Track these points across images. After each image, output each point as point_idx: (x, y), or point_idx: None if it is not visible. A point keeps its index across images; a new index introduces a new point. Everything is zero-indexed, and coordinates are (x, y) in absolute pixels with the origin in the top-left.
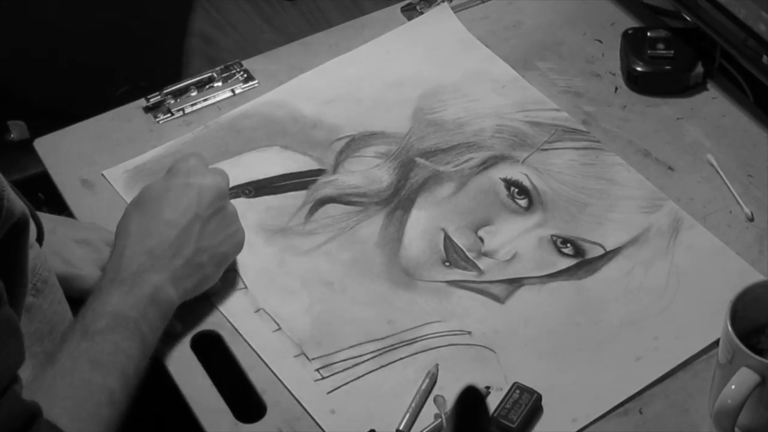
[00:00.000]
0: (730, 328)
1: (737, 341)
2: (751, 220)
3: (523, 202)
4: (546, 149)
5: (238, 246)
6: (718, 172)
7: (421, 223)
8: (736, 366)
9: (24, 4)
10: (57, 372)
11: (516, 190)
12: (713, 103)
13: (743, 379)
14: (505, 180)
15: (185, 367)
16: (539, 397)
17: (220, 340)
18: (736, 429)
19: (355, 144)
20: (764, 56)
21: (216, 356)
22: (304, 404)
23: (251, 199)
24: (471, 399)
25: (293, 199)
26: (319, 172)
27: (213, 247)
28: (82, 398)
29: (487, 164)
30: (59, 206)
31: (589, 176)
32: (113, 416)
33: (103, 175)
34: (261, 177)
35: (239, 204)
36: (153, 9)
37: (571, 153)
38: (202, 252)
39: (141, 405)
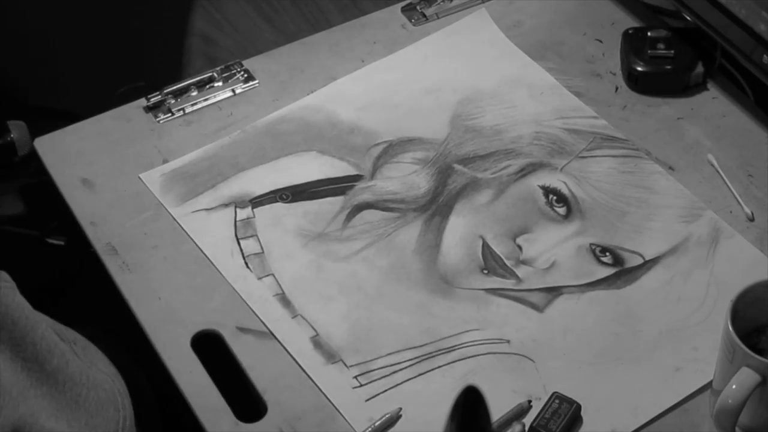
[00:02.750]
0: (730, 328)
1: (738, 341)
2: (752, 220)
3: (562, 210)
4: (585, 157)
5: None
6: (718, 172)
7: (460, 230)
8: (736, 366)
9: (24, 4)
10: None
11: (554, 197)
12: (713, 103)
13: (744, 379)
14: (543, 187)
15: (185, 367)
16: (579, 407)
17: (220, 340)
18: (737, 429)
19: (392, 150)
20: (764, 56)
21: (216, 356)
22: (342, 411)
23: (289, 204)
24: (471, 399)
25: (330, 204)
26: (356, 178)
27: None
28: None
29: (525, 171)
30: (59, 206)
31: (627, 184)
32: None
33: (139, 177)
34: (298, 182)
35: (277, 209)
36: (153, 9)
37: (609, 161)
38: None
39: (141, 405)
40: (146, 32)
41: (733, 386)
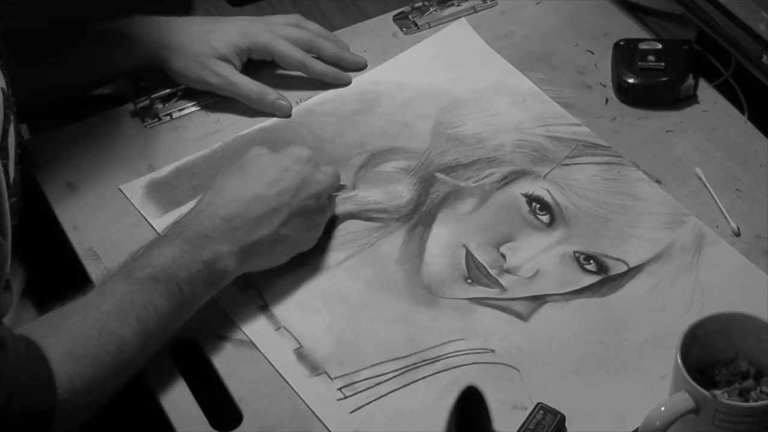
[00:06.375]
0: (679, 349)
1: (680, 361)
2: (737, 235)
3: (545, 218)
4: (567, 164)
5: (311, 243)
6: (705, 185)
7: (443, 240)
8: (676, 390)
9: (23, 4)
10: (81, 304)
11: (537, 205)
12: (703, 116)
13: (675, 403)
14: (526, 195)
15: (163, 375)
16: (563, 418)
17: (198, 348)
18: None
19: (374, 159)
20: (764, 56)
21: (194, 364)
22: (326, 424)
23: None
24: (471, 399)
25: None
26: (338, 188)
27: (290, 238)
28: (86, 337)
29: (508, 179)
30: (43, 208)
31: (611, 191)
32: (117, 364)
33: (119, 189)
34: None
35: None
36: (153, 9)
37: (592, 168)
38: (279, 240)
39: (117, 412)
40: None
41: (662, 408)
